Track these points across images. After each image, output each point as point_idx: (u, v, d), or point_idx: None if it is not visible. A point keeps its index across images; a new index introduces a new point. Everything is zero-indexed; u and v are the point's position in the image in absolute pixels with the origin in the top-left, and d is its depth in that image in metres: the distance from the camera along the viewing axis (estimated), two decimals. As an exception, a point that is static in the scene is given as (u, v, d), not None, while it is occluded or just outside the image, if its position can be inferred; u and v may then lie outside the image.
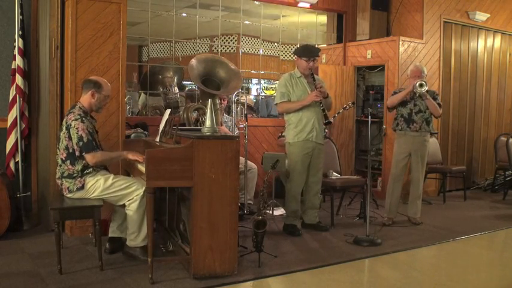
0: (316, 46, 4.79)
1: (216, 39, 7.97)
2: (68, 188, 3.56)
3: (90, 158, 3.52)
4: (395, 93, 5.15)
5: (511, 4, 7.83)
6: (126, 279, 3.30)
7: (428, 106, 4.96)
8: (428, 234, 4.76)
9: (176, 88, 7.12)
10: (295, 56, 4.70)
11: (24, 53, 4.58)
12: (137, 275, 3.37)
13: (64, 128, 3.57)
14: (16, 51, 4.56)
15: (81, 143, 3.50)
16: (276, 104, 4.73)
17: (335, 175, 5.42)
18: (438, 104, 5.02)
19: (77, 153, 3.53)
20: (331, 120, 4.59)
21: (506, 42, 8.02)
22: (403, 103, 5.02)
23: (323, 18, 7.56)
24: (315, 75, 4.68)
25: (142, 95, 7.05)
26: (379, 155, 6.77)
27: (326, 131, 5.77)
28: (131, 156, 3.62)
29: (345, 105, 6.31)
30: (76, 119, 3.53)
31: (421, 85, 4.83)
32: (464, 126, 7.49)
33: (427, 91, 4.95)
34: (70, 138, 3.53)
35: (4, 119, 4.65)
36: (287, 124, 4.71)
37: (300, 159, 4.60)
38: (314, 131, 4.59)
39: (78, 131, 3.50)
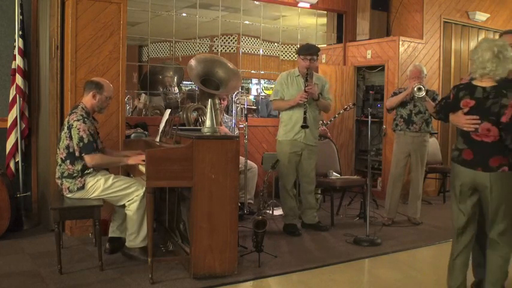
0: (316, 45, 4.77)
1: (216, 39, 7.98)
2: (68, 188, 3.56)
3: (89, 159, 3.53)
4: (394, 93, 5.14)
5: (511, 4, 7.82)
6: (126, 279, 3.30)
7: (427, 108, 4.95)
8: (428, 234, 4.75)
9: (176, 88, 7.13)
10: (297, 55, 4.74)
11: (24, 53, 4.58)
12: (137, 275, 3.37)
13: (65, 127, 3.57)
14: (16, 51, 4.56)
15: (81, 144, 3.50)
16: (271, 100, 4.90)
17: (335, 175, 5.42)
18: None
19: (77, 154, 3.53)
20: (308, 125, 4.48)
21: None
22: (402, 104, 5.00)
23: (323, 19, 7.56)
24: (317, 74, 4.68)
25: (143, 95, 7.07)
26: (379, 155, 6.77)
27: (323, 127, 5.75)
28: (132, 161, 3.62)
29: (345, 106, 6.33)
30: (78, 120, 3.53)
31: (419, 89, 4.77)
32: (464, 126, 7.48)
33: (427, 92, 4.94)
34: (71, 138, 3.53)
35: (4, 119, 4.65)
36: (280, 122, 4.77)
37: (287, 157, 4.63)
38: (303, 132, 4.57)
39: (79, 131, 3.50)
